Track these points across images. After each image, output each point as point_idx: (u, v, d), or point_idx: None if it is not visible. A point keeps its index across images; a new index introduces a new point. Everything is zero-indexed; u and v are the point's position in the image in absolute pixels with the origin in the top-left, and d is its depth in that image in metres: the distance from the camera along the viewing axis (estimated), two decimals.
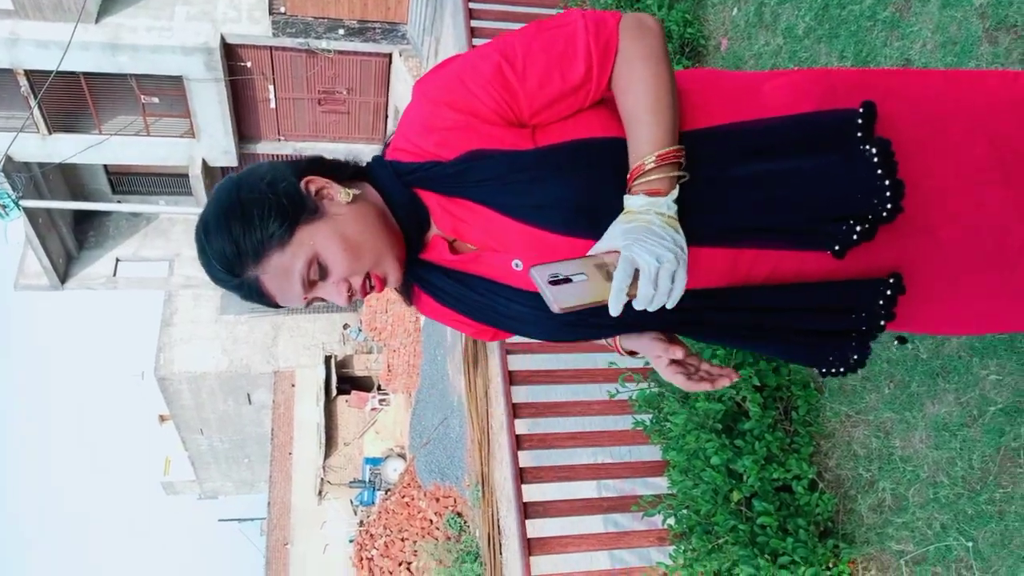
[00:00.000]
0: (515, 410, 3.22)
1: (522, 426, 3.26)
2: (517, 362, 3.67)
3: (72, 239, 15.01)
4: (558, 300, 0.93)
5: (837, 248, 1.00)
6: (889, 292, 1.05)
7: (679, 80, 1.07)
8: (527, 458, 3.34)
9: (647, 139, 0.97)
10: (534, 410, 3.27)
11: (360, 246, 1.06)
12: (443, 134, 1.03)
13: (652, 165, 0.96)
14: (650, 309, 0.94)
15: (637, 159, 0.97)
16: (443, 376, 11.01)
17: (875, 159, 0.98)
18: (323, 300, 1.12)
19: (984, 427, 2.18)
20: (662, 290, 0.93)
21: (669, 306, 0.94)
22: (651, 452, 3.34)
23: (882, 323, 1.08)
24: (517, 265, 1.07)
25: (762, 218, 1.00)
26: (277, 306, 1.11)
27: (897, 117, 1.05)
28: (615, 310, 0.93)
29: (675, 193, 0.96)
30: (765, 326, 1.10)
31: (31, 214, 12.47)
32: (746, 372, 2.75)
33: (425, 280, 1.17)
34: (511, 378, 3.33)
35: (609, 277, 0.94)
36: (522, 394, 3.42)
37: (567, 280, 0.93)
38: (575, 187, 0.99)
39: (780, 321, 1.09)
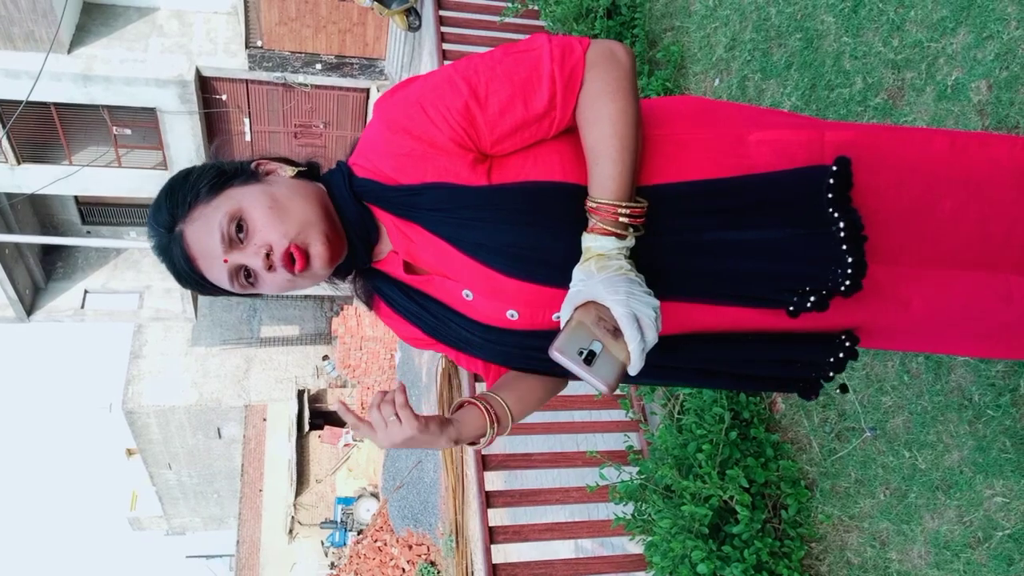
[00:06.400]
0: (488, 499, 3.03)
1: (496, 516, 3.07)
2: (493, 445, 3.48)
3: (40, 271, 14.61)
4: (605, 381, 0.91)
5: (791, 309, 1.00)
6: (841, 353, 1.06)
7: (663, 107, 1.06)
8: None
9: (610, 181, 0.94)
10: (509, 498, 3.09)
11: (286, 208, 1.01)
12: (399, 160, 1.00)
13: (622, 214, 0.93)
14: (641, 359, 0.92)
15: (601, 198, 0.93)
16: None
17: (841, 234, 0.95)
18: (250, 282, 1.05)
19: (991, 552, 2.04)
20: (651, 340, 0.91)
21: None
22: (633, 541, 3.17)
23: (831, 374, 1.08)
24: (467, 295, 1.05)
25: (725, 285, 0.99)
26: (206, 286, 1.06)
27: (885, 187, 1.00)
28: (636, 369, 0.92)
29: (632, 239, 0.94)
30: (712, 370, 1.10)
31: None
32: (733, 472, 2.60)
33: (382, 291, 1.15)
34: (484, 463, 3.15)
35: (613, 334, 0.91)
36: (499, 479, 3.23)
37: (591, 353, 0.91)
38: (517, 234, 0.96)
39: (729, 368, 1.09)
